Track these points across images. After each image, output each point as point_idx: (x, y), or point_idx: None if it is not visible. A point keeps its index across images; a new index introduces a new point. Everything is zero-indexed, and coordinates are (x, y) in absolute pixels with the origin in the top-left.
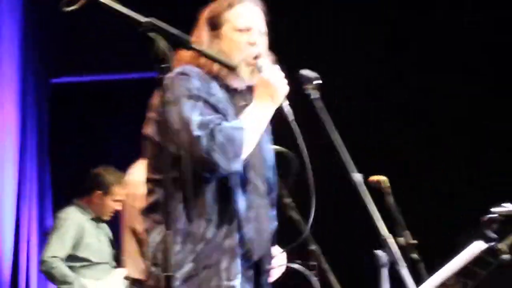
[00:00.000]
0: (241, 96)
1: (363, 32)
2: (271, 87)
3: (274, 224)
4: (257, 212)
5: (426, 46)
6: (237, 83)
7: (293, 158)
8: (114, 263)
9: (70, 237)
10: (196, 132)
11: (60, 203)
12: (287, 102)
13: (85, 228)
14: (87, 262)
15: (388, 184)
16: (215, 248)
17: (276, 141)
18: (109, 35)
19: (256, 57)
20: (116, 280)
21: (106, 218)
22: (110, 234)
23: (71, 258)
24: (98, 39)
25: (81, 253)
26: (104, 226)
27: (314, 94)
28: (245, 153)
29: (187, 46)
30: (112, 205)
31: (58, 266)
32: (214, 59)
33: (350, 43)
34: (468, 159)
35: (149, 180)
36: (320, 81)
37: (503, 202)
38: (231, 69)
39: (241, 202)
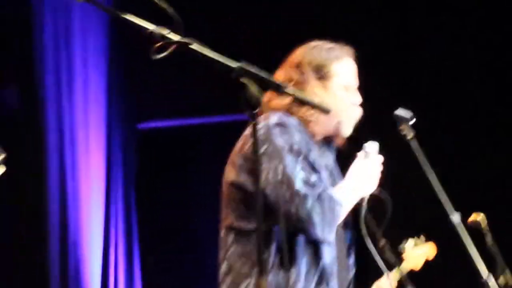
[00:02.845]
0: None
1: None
2: (370, 180)
3: (353, 271)
4: (340, 264)
5: None
6: (320, 135)
7: (387, 199)
8: None
9: None
10: (301, 189)
11: (147, 251)
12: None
13: None
14: None
15: (486, 222)
16: None
17: None
18: (193, 78)
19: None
20: None
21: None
22: None
23: None
24: (183, 83)
25: None
26: None
27: (410, 135)
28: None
29: (280, 90)
30: None
31: None
32: (308, 103)
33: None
34: None
35: (233, 228)
36: (414, 120)
37: None
38: (326, 112)
39: (327, 255)
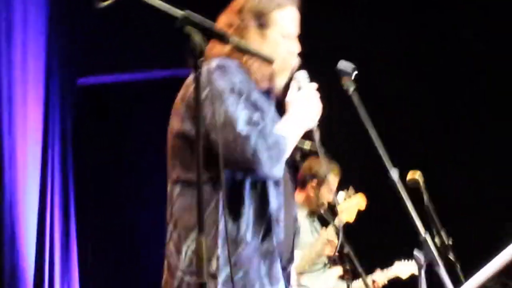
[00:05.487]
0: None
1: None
2: (310, 108)
3: (297, 224)
4: (286, 214)
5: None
6: (264, 84)
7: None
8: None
9: None
10: (244, 129)
11: (83, 206)
12: (316, 124)
13: (301, 225)
14: None
15: (423, 180)
16: (254, 251)
17: None
18: (134, 32)
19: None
20: (329, 280)
21: (322, 211)
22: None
23: None
24: (123, 37)
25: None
26: (317, 223)
27: (352, 88)
28: (284, 162)
29: (225, 40)
30: (327, 195)
31: None
32: (251, 53)
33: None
34: (506, 150)
35: (180, 180)
36: (356, 73)
37: None
38: (269, 62)
39: (273, 200)
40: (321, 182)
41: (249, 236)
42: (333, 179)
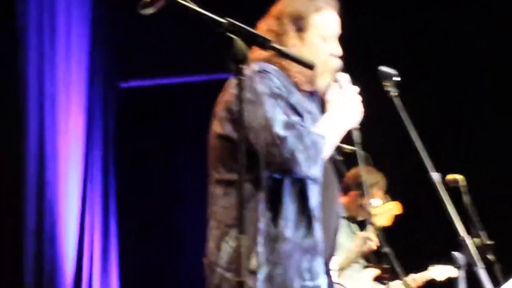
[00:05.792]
0: (308, 99)
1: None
2: (350, 109)
3: (340, 220)
4: (330, 210)
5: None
6: (307, 87)
7: (361, 155)
8: (364, 263)
9: None
10: (281, 132)
11: (124, 207)
12: (357, 127)
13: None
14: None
15: (465, 183)
16: (295, 247)
17: None
18: (176, 37)
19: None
20: (365, 281)
21: (361, 218)
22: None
23: None
24: (166, 42)
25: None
26: (355, 226)
27: (393, 91)
28: (322, 162)
29: (267, 46)
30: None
31: None
32: (292, 58)
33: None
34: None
35: (221, 181)
36: (399, 78)
37: None
38: (310, 68)
39: (312, 200)
40: (364, 193)
41: (289, 232)
42: (376, 192)
